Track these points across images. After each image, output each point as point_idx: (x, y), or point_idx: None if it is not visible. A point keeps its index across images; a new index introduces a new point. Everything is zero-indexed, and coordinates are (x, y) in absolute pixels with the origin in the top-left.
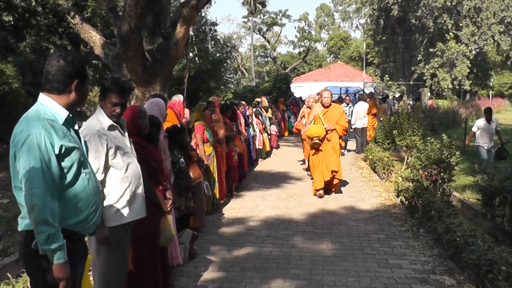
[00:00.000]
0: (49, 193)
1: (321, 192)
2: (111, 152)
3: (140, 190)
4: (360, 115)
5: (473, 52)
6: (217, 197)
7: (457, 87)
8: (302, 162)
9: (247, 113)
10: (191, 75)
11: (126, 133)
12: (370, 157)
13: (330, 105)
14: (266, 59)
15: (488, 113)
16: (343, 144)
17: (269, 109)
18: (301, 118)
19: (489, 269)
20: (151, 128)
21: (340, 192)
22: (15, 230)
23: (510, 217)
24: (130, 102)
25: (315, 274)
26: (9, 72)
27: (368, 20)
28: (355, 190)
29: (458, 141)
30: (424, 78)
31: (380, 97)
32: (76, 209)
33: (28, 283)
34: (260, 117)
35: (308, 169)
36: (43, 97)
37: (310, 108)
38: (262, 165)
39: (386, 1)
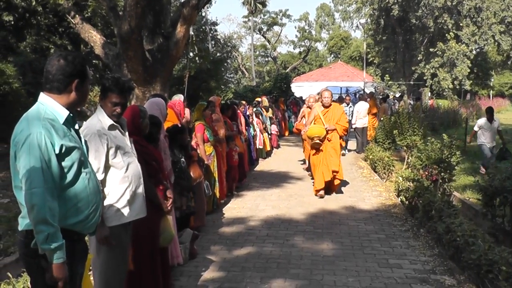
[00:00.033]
0: (49, 193)
1: (322, 192)
2: (112, 151)
3: (141, 189)
4: (361, 115)
5: (474, 52)
6: (218, 197)
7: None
8: (302, 162)
9: (248, 113)
10: (192, 74)
11: (127, 133)
12: (371, 157)
13: (330, 105)
14: (266, 59)
15: (489, 113)
16: (343, 144)
17: (270, 109)
18: (301, 118)
19: (489, 269)
20: (151, 127)
21: (341, 192)
22: (15, 229)
23: (511, 217)
24: (131, 102)
25: (316, 274)
26: (10, 72)
27: (369, 20)
28: (356, 190)
29: (459, 141)
30: (425, 78)
31: (381, 97)
32: (76, 208)
33: (29, 283)
34: (260, 117)
35: (308, 169)
36: (43, 97)
37: (310, 108)
38: (263, 165)
39: (387, 1)
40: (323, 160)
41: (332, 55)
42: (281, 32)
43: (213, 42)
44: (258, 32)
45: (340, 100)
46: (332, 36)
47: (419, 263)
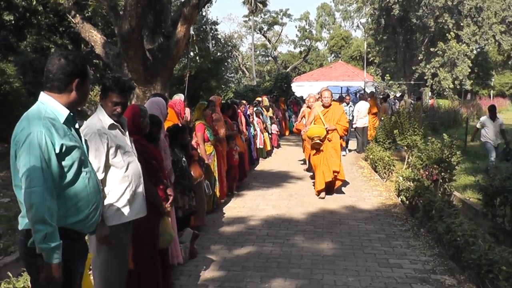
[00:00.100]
0: (48, 192)
1: (323, 195)
2: (112, 151)
3: (141, 189)
4: (361, 115)
5: (474, 51)
6: (218, 196)
7: (458, 86)
8: (302, 162)
9: (248, 112)
10: (192, 74)
11: (127, 132)
12: (371, 156)
13: (330, 105)
14: (267, 58)
15: (492, 111)
16: (343, 144)
17: (270, 108)
18: (302, 118)
19: (489, 269)
20: (151, 127)
21: (341, 191)
22: (15, 229)
23: (511, 217)
24: (131, 101)
25: (316, 273)
26: (10, 71)
27: (369, 19)
28: (356, 189)
29: (459, 140)
30: (425, 77)
31: (381, 96)
32: (76, 208)
33: (29, 282)
34: (261, 116)
35: (308, 170)
36: (43, 96)
37: (310, 108)
38: (263, 164)
39: (387, 0)
40: (323, 160)
41: (333, 55)
42: (281, 31)
43: (213, 42)
44: (258, 32)
45: (341, 99)
46: (333, 35)
47: (419, 263)
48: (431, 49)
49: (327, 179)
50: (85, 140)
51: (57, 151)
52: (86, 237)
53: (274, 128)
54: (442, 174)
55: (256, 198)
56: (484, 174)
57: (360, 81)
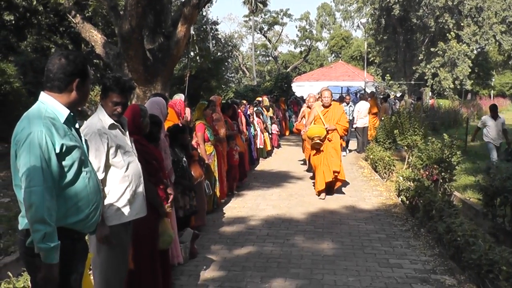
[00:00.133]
0: (47, 192)
1: (323, 195)
2: (112, 151)
3: (141, 189)
4: (361, 115)
5: (475, 51)
6: (218, 196)
7: (458, 86)
8: (302, 162)
9: (248, 112)
10: (192, 74)
11: (127, 132)
12: (371, 156)
13: (330, 104)
14: (267, 58)
15: (493, 110)
16: (343, 144)
17: (270, 108)
18: (302, 118)
19: (490, 269)
20: (152, 127)
21: (341, 191)
22: (15, 229)
23: (511, 217)
24: (131, 101)
25: (316, 273)
26: (10, 71)
27: (369, 19)
28: (356, 189)
29: (459, 140)
30: (426, 77)
31: (382, 96)
32: (76, 207)
33: (29, 282)
34: (261, 116)
35: (308, 170)
36: (44, 96)
37: (310, 108)
38: (263, 164)
39: (387, 0)
40: (323, 160)
41: (333, 55)
42: (282, 31)
43: (214, 42)
44: (259, 32)
45: (341, 99)
46: (333, 35)
47: (419, 262)
48: (432, 49)
49: (328, 179)
50: (85, 140)
51: (57, 151)
52: (86, 237)
53: (275, 128)
54: (443, 174)
55: (256, 198)
56: (484, 174)
57: (361, 81)
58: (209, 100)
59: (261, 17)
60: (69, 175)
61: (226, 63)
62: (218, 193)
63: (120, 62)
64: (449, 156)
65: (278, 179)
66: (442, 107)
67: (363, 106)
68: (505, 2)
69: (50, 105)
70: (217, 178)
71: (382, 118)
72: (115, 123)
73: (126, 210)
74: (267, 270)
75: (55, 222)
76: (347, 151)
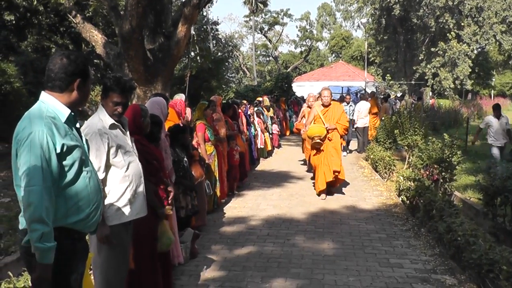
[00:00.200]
0: (47, 192)
1: (324, 196)
2: (112, 150)
3: (141, 188)
4: (362, 114)
5: (475, 51)
6: (218, 196)
7: (458, 86)
8: (303, 162)
9: (249, 112)
10: (193, 74)
11: (128, 132)
12: (372, 156)
13: (330, 104)
14: (267, 58)
15: (496, 109)
16: (343, 143)
17: (271, 108)
18: (302, 118)
19: (490, 268)
20: (152, 127)
21: (342, 191)
22: (16, 229)
23: (511, 216)
24: (132, 101)
25: (316, 273)
26: (11, 71)
27: (370, 19)
28: (357, 189)
29: (460, 140)
30: (426, 77)
31: (382, 96)
32: (77, 207)
33: (29, 282)
34: (261, 116)
35: (309, 170)
36: (45, 95)
37: (310, 107)
38: (264, 164)
39: (388, 0)
40: (324, 160)
41: (333, 55)
42: (282, 31)
43: (214, 42)
44: (259, 32)
45: (341, 99)
46: (333, 35)
47: (420, 262)
48: (432, 49)
49: (328, 179)
50: (86, 140)
51: (58, 150)
52: (87, 237)
53: (275, 128)
54: (443, 174)
55: (256, 198)
56: (485, 174)
57: (361, 81)
58: (210, 100)
59: (262, 17)
60: (70, 175)
61: (227, 63)
62: (218, 193)
63: (121, 62)
64: (450, 156)
65: (279, 179)
66: (442, 107)
67: (364, 106)
68: (505, 2)
69: (51, 105)
70: (217, 178)
71: (383, 118)
72: (116, 123)
73: (126, 210)
74: (267, 270)
75: (55, 221)
76: (348, 151)
